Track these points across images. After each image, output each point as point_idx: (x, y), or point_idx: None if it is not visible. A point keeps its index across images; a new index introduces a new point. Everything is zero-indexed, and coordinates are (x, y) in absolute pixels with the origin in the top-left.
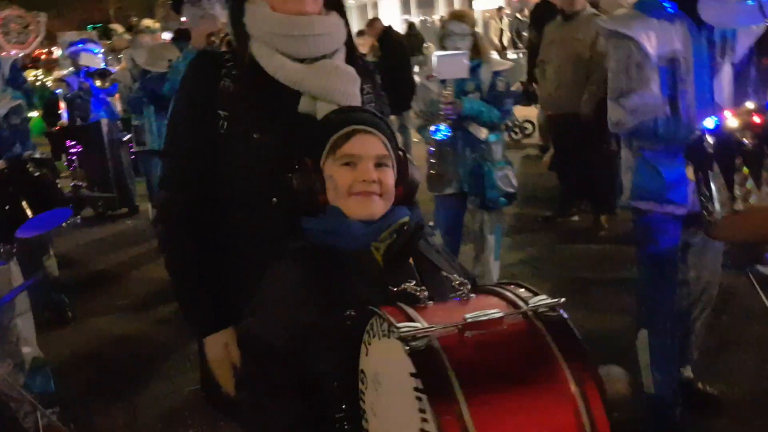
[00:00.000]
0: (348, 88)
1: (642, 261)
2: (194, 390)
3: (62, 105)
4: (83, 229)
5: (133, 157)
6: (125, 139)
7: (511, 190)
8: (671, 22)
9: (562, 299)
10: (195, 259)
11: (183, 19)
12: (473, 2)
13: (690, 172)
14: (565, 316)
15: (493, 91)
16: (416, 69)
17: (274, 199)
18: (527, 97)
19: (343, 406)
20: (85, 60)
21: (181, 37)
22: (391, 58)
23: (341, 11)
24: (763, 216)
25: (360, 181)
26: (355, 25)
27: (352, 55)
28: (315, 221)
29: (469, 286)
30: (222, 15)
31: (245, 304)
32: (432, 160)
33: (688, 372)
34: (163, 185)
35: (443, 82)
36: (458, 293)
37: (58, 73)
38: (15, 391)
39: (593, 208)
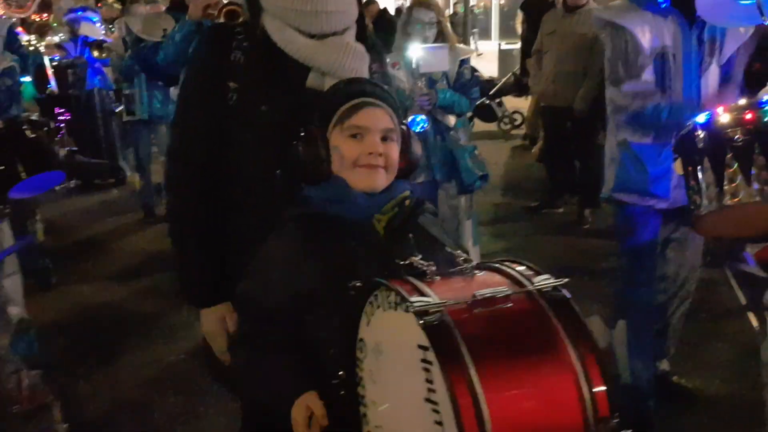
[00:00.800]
0: (357, 65)
1: (622, 253)
2: (176, 359)
3: (50, 72)
4: (70, 197)
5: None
6: (117, 110)
7: (484, 172)
8: (664, 17)
9: (566, 279)
10: (199, 231)
11: None
12: None
13: (678, 166)
14: (568, 295)
15: (460, 79)
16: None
17: (278, 171)
18: (519, 88)
19: (340, 373)
20: (85, 29)
21: (177, 7)
22: (385, 40)
23: None
24: (751, 212)
25: (366, 154)
26: None
27: (363, 34)
28: (318, 189)
29: (473, 262)
30: None
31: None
32: None
33: (664, 365)
34: (171, 155)
35: (422, 74)
36: (463, 269)
37: (50, 39)
38: (2, 349)
39: (579, 201)
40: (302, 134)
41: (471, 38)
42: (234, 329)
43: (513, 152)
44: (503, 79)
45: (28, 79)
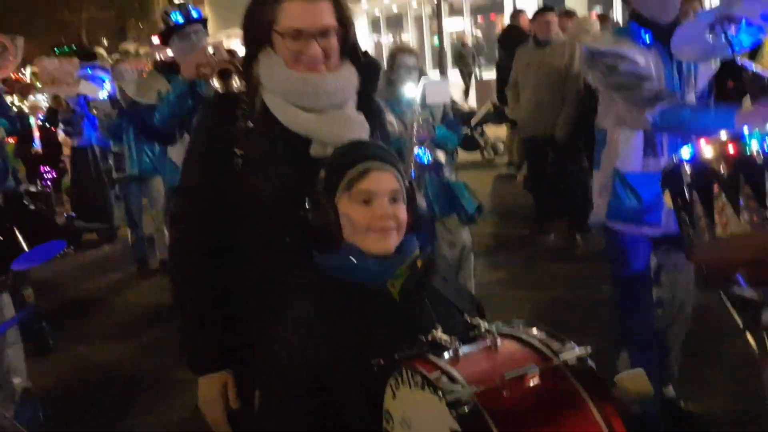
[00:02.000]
0: (358, 134)
1: (616, 282)
2: (180, 417)
3: (35, 132)
4: (59, 258)
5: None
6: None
7: (479, 203)
8: (648, 50)
9: (589, 348)
10: (204, 296)
11: (155, 41)
12: (443, 23)
13: (668, 199)
14: (593, 365)
15: (446, 118)
16: None
17: (288, 238)
18: (498, 117)
19: None
20: (85, 88)
21: (169, 68)
22: (369, 83)
23: (356, 59)
24: (743, 242)
25: (377, 218)
26: None
27: (364, 99)
28: (329, 257)
29: (497, 335)
30: (209, 46)
31: (255, 339)
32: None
33: (669, 391)
34: (176, 222)
35: (424, 107)
36: (485, 338)
37: (33, 100)
38: (6, 421)
39: (568, 227)
40: (309, 202)
41: (475, 66)
42: (234, 400)
43: (498, 181)
44: (482, 109)
45: (11, 140)
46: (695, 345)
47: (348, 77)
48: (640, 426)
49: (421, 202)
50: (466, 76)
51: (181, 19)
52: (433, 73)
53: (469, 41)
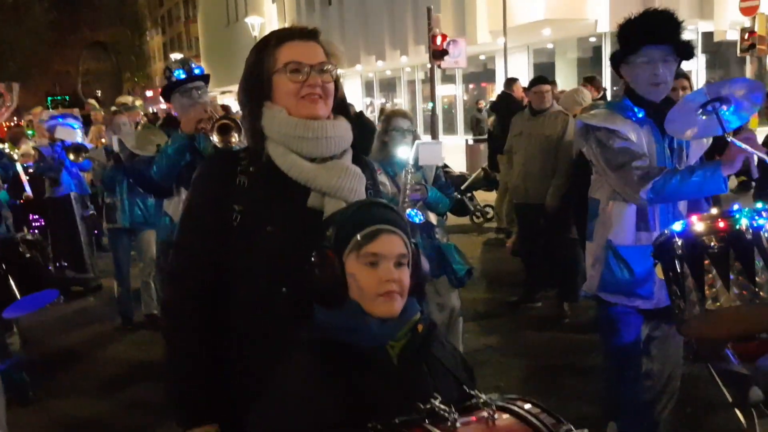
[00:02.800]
0: (355, 186)
1: (607, 353)
2: None
3: (24, 178)
4: (45, 306)
5: (96, 232)
6: (89, 215)
7: (469, 266)
8: (640, 126)
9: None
10: (197, 350)
11: (148, 94)
12: (435, 89)
13: (659, 271)
14: None
15: (438, 181)
16: None
17: (284, 289)
18: (489, 183)
19: None
20: (60, 133)
21: (169, 123)
22: (363, 141)
23: (348, 116)
24: (732, 315)
25: (383, 281)
26: None
27: (357, 155)
28: (331, 315)
29: (494, 408)
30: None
31: (252, 393)
32: None
33: None
34: (171, 277)
35: (418, 169)
36: (482, 411)
37: (25, 148)
38: None
39: (557, 295)
40: (316, 256)
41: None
42: None
43: (487, 246)
44: (473, 174)
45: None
46: (682, 417)
47: (344, 128)
48: None
49: (425, 264)
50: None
51: (183, 75)
52: (425, 138)
53: (483, 105)
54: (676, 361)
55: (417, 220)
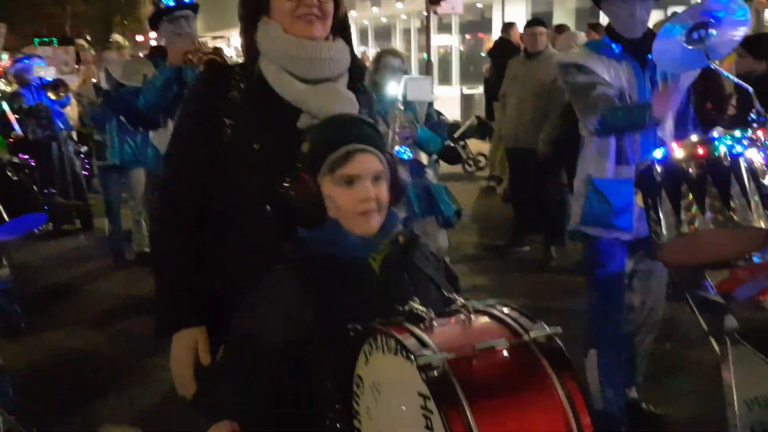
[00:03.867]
0: (347, 110)
1: (591, 285)
2: (151, 402)
3: (12, 117)
4: (38, 243)
5: (87, 173)
6: (81, 151)
7: (458, 207)
8: (618, 62)
9: (559, 329)
10: (183, 257)
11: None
12: (431, 38)
13: (639, 199)
14: (560, 345)
15: (430, 120)
16: None
17: (268, 206)
18: (481, 131)
19: (337, 406)
20: (38, 71)
21: (157, 54)
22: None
23: (347, 38)
24: (707, 239)
25: (361, 200)
26: None
27: (354, 81)
28: (313, 234)
29: (470, 309)
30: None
31: (238, 301)
32: None
33: (633, 393)
34: (163, 186)
35: (408, 106)
36: (460, 313)
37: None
38: None
39: (544, 239)
40: (291, 179)
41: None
42: (206, 356)
43: (479, 193)
44: (467, 123)
45: None
46: (663, 353)
47: (341, 51)
48: (603, 425)
49: (403, 173)
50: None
51: (172, 3)
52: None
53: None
54: (657, 295)
55: (405, 157)
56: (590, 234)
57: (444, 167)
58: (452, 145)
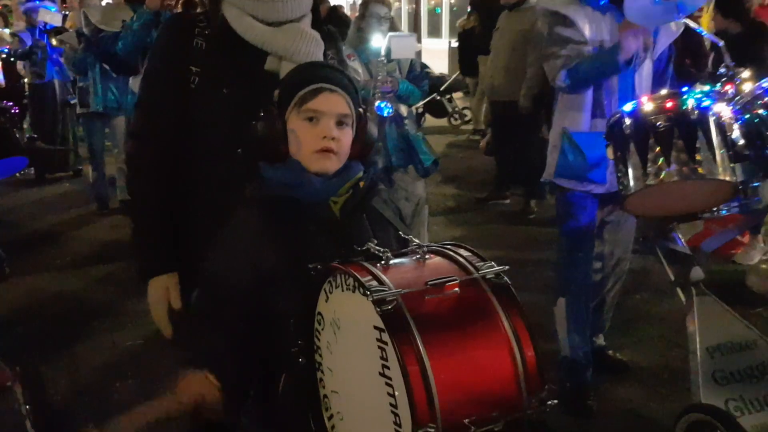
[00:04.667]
0: (312, 50)
1: (562, 235)
2: (134, 344)
3: None
4: (23, 190)
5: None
6: (73, 102)
7: (436, 157)
8: (602, 13)
9: (506, 267)
10: (155, 204)
11: None
12: None
13: (610, 152)
14: (508, 281)
15: (412, 72)
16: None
17: (239, 149)
18: (468, 85)
19: (299, 342)
20: (44, 16)
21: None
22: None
23: None
24: (671, 190)
25: (321, 137)
26: None
27: (318, 22)
28: (275, 171)
29: (425, 248)
30: None
31: (207, 244)
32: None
33: (600, 340)
34: (134, 133)
35: (389, 61)
36: (415, 253)
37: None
38: None
39: (525, 193)
40: (261, 114)
41: None
42: (177, 300)
43: (461, 147)
44: (453, 76)
45: None
46: (634, 304)
47: None
48: (570, 370)
49: (372, 130)
50: None
51: None
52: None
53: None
54: (626, 246)
55: (386, 113)
56: (563, 186)
57: (430, 121)
58: (438, 98)
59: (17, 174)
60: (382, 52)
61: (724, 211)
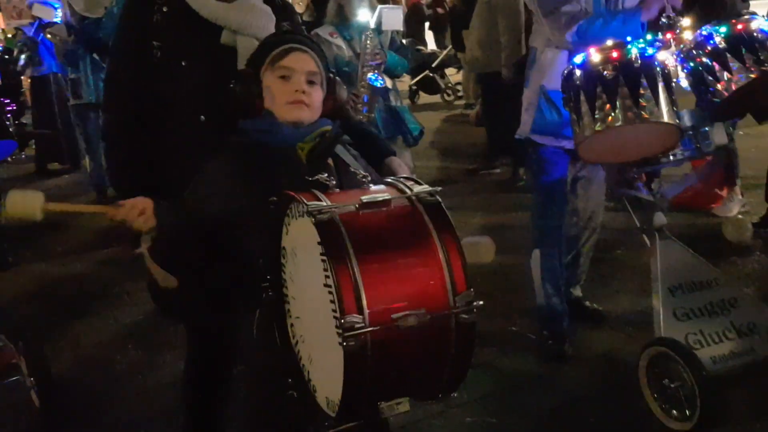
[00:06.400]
0: (264, 22)
1: (536, 189)
2: (134, 319)
3: None
4: (22, 184)
5: None
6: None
7: (421, 127)
8: None
9: (439, 188)
10: (132, 170)
11: None
12: None
13: (565, 103)
14: (439, 199)
15: (394, 44)
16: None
17: (202, 117)
18: (458, 62)
19: (268, 277)
20: (37, 11)
21: None
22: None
23: None
24: (623, 137)
25: (293, 91)
26: None
27: None
28: (251, 122)
29: (369, 178)
30: None
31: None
32: (364, 110)
33: (577, 292)
34: (105, 108)
35: (379, 33)
36: (362, 183)
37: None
38: None
39: (513, 161)
40: (238, 77)
41: None
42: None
43: (455, 121)
44: (444, 52)
45: None
46: (610, 258)
47: None
48: (546, 318)
49: (341, 91)
50: None
51: None
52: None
53: None
54: (597, 200)
55: (378, 84)
56: (538, 142)
57: (424, 97)
58: (431, 75)
59: (9, 158)
60: (372, 25)
61: (678, 156)
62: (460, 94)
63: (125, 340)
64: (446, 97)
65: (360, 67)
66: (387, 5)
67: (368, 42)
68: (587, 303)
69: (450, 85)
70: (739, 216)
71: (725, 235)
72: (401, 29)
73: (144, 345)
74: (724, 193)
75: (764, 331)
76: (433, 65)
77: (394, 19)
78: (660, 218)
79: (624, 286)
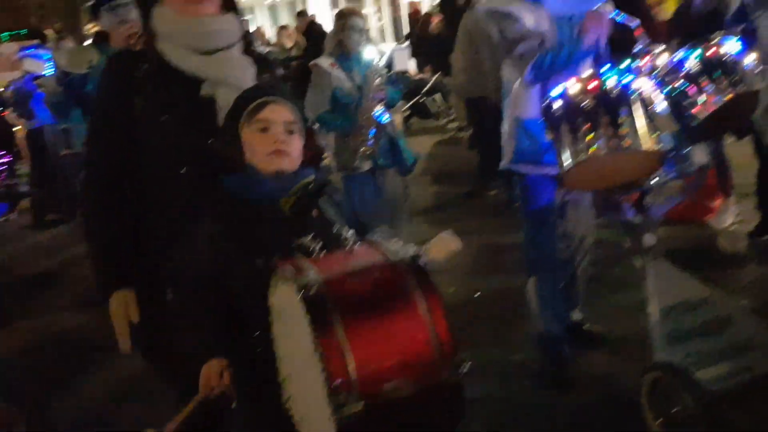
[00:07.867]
0: (243, 74)
1: (525, 218)
2: (137, 372)
3: None
4: (19, 236)
5: None
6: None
7: (416, 155)
8: (537, 6)
9: (423, 249)
10: (110, 226)
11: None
12: None
13: (547, 133)
14: (422, 263)
15: (390, 78)
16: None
17: (183, 169)
18: (445, 86)
19: (257, 333)
20: (28, 65)
21: (101, 40)
22: (315, 49)
23: (236, 12)
24: (606, 164)
25: (272, 142)
26: (285, 19)
27: (249, 48)
28: (234, 179)
29: (354, 240)
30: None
31: (163, 258)
32: (369, 143)
33: (576, 315)
34: (85, 162)
35: (389, 68)
36: (346, 245)
37: None
38: None
39: (506, 183)
40: (218, 134)
41: None
42: (135, 314)
43: (448, 144)
44: (434, 77)
45: None
46: (609, 277)
47: (231, 22)
48: (546, 345)
49: (319, 140)
50: None
51: None
52: (391, 45)
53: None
54: (587, 222)
55: (384, 120)
56: (521, 171)
57: (417, 122)
58: (422, 100)
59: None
60: (381, 63)
61: (661, 179)
62: (453, 116)
63: (128, 393)
64: (440, 121)
65: (365, 103)
66: (398, 47)
67: (377, 79)
68: (586, 326)
69: (442, 108)
70: (733, 227)
71: (720, 247)
72: (406, 69)
73: (149, 398)
74: (718, 204)
75: (761, 347)
76: (424, 90)
77: (403, 58)
78: (649, 239)
79: (622, 305)
